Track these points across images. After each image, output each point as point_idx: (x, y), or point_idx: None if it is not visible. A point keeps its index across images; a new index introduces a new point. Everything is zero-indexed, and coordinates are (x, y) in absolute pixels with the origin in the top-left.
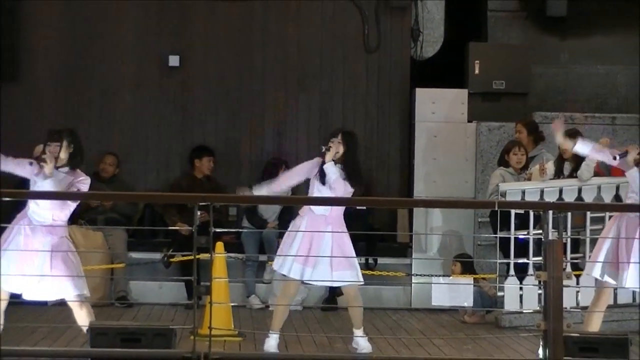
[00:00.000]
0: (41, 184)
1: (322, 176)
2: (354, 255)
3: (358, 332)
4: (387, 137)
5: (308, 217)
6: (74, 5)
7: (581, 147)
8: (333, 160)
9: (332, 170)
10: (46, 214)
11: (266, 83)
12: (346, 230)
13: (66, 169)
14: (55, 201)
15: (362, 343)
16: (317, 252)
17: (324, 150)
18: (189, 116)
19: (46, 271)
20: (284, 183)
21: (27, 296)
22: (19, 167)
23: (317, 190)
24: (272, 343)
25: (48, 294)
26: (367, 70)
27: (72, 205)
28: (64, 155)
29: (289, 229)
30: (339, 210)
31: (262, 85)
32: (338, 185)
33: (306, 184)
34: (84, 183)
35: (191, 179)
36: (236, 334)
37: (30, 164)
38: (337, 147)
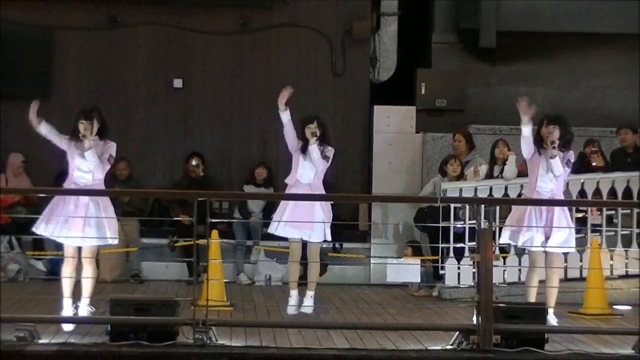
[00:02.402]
0: (83, 155)
1: (304, 153)
2: (331, 215)
3: (311, 293)
4: (351, 145)
5: (296, 187)
6: (97, 37)
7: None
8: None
9: (315, 150)
10: (88, 176)
11: (252, 101)
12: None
13: (96, 138)
14: (95, 165)
15: (308, 303)
16: (311, 215)
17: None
18: (189, 128)
19: (90, 222)
20: (291, 131)
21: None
22: (58, 139)
23: (300, 164)
24: (293, 303)
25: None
26: (334, 91)
27: (107, 168)
28: (95, 129)
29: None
30: (320, 178)
31: (249, 103)
32: (320, 162)
33: (289, 161)
34: (112, 148)
35: (191, 179)
36: (228, 305)
37: (69, 139)
38: (316, 131)
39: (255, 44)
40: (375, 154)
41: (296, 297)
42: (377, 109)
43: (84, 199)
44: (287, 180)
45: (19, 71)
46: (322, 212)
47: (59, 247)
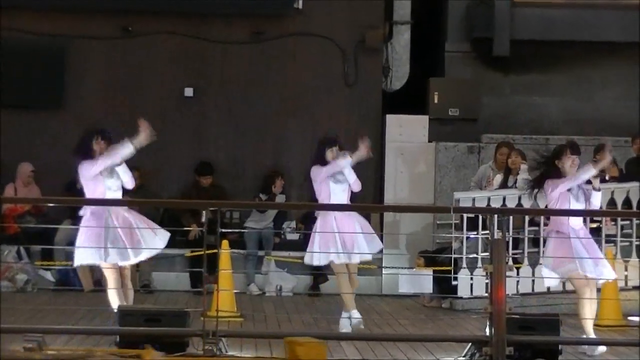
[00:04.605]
0: (112, 173)
1: (333, 178)
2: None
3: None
4: None
5: (330, 214)
6: (110, 47)
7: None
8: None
9: (352, 173)
10: (119, 194)
11: (266, 110)
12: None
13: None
14: (129, 177)
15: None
16: (353, 236)
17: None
18: (202, 137)
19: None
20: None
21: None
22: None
23: (332, 190)
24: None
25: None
26: (347, 100)
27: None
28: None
29: (318, 225)
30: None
31: (263, 112)
32: (356, 183)
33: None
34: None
35: (199, 188)
36: (238, 316)
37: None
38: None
39: (269, 53)
40: (387, 163)
41: (349, 320)
42: (390, 118)
43: (127, 217)
44: (319, 211)
45: (32, 81)
46: (361, 230)
47: (68, 257)
